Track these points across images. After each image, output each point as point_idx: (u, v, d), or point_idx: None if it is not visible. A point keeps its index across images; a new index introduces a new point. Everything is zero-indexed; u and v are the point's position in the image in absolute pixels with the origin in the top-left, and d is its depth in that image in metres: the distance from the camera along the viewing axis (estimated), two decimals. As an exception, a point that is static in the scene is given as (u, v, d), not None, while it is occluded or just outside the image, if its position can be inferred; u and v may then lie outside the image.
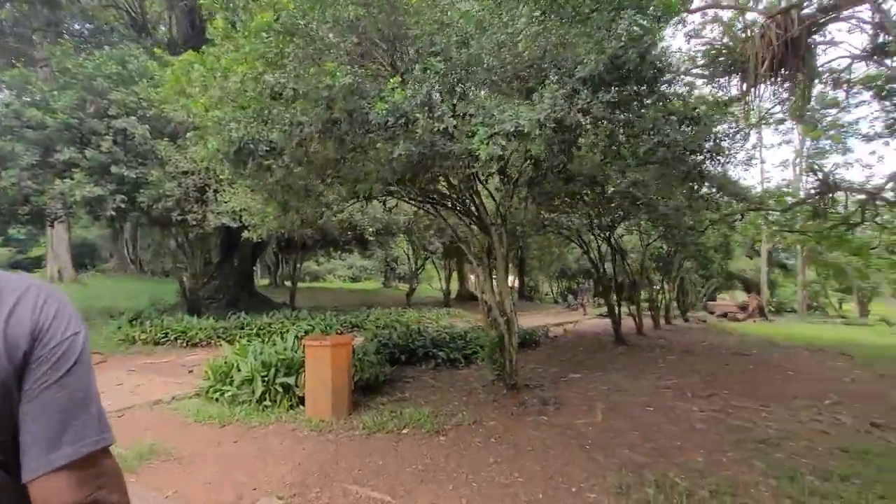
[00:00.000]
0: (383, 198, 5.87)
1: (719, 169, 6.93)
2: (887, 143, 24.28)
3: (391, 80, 3.13)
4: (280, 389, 5.26)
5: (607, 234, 10.52)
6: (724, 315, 20.39)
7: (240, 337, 9.28)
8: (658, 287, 15.37)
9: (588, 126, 3.17)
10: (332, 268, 35.99)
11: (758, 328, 17.54)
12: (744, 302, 21.40)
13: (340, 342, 5.05)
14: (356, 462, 3.89)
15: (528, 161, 4.42)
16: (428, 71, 3.12)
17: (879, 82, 12.62)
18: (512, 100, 3.06)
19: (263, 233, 6.12)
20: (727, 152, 5.67)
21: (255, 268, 20.11)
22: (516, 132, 2.72)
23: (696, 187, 7.05)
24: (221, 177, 5.41)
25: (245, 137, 3.66)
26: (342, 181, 4.71)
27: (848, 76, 11.90)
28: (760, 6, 9.35)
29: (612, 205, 7.40)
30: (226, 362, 5.81)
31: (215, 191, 8.83)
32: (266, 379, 5.30)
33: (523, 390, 5.87)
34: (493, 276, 5.65)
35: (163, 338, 9.39)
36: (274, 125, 3.61)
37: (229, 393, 5.37)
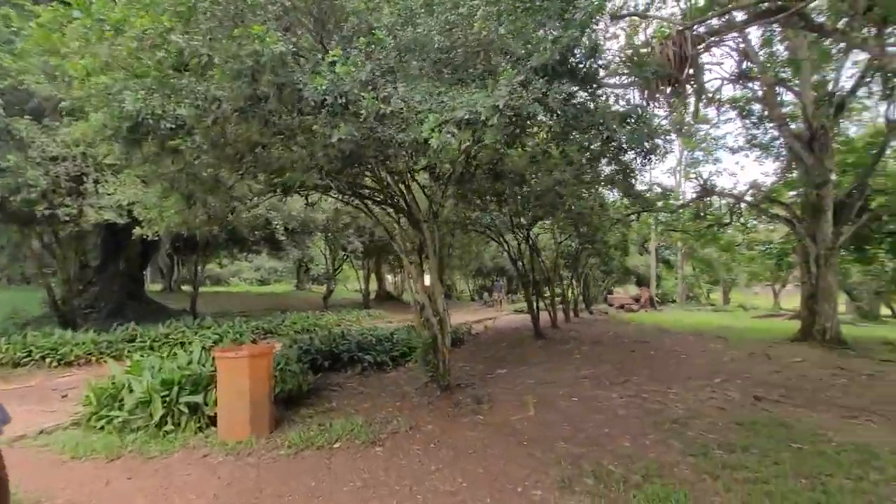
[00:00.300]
0: (308, 191, 5.39)
1: (647, 169, 7.51)
2: (747, 155, 28.33)
3: (331, 53, 2.78)
4: (185, 410, 4.57)
5: (526, 232, 10.93)
6: (622, 307, 22.47)
7: (129, 352, 8.03)
8: (567, 283, 16.42)
9: (543, 118, 3.16)
10: (237, 270, 33.15)
11: (650, 317, 19.59)
12: (637, 294, 23.82)
13: (259, 352, 4.53)
14: (284, 487, 3.48)
15: (465, 155, 4.33)
16: (373, 46, 2.84)
17: (742, 103, 14.77)
18: (462, 86, 2.92)
19: (161, 230, 5.27)
20: (662, 151, 6.05)
21: (145, 272, 17.72)
22: (471, 120, 2.59)
23: (633, 183, 7.49)
24: (105, 162, 4.54)
25: (143, 111, 3.02)
26: (263, 170, 4.18)
27: (719, 96, 13.69)
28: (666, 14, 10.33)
29: (536, 203, 7.66)
30: (113, 383, 4.92)
31: (96, 181, 7.50)
32: (167, 399, 4.58)
33: (456, 390, 5.80)
34: (426, 275, 5.49)
35: (25, 357, 7.78)
36: (183, 98, 3.03)
37: (119, 419, 4.54)
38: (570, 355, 9.12)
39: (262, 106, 3.12)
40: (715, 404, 5.73)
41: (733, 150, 18.50)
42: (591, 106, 3.67)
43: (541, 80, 2.78)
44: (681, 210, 15.07)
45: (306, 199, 6.14)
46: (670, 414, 5.23)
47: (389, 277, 31.02)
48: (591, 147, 4.36)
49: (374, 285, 26.68)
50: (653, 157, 5.14)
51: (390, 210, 5.93)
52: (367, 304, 20.90)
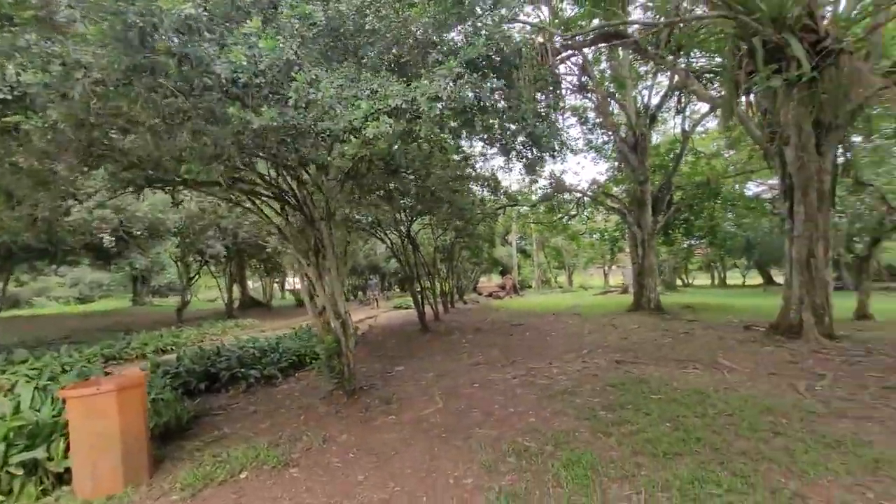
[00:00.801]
0: (173, 187, 4.53)
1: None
2: (586, 157, 32.94)
3: (251, 23, 2.35)
4: (19, 472, 3.54)
5: (407, 227, 11.05)
6: (490, 295, 24.32)
7: None
8: (444, 276, 17.12)
9: (475, 111, 3.19)
10: (44, 287, 26.52)
11: (515, 302, 21.59)
12: (502, 282, 26.03)
13: (131, 382, 3.72)
14: (188, 536, 2.96)
15: (367, 150, 4.17)
16: (298, 20, 2.48)
17: (580, 111, 17.12)
18: (392, 74, 2.78)
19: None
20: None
21: None
22: (408, 110, 2.49)
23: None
24: None
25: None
26: (137, 160, 3.38)
27: (563, 104, 15.65)
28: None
29: (432, 199, 7.79)
30: None
31: None
32: (-11, 462, 3.48)
33: (362, 394, 5.61)
34: (325, 276, 5.16)
35: None
36: (30, 59, 2.23)
37: None
38: (459, 345, 9.55)
39: (151, 79, 2.51)
40: (589, 372, 6.61)
41: (575, 152, 21.33)
42: (516, 102, 3.88)
43: (476, 75, 2.84)
44: (538, 204, 16.91)
45: (173, 196, 5.17)
46: (559, 386, 5.87)
47: (250, 283, 28.26)
48: (506, 143, 4.62)
49: (235, 293, 24.03)
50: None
51: (275, 207, 5.41)
52: (231, 314, 18.75)
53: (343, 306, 5.27)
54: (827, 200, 7.82)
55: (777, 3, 4.56)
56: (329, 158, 3.83)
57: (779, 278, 36.29)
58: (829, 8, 6.09)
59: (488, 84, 2.97)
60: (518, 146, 5.00)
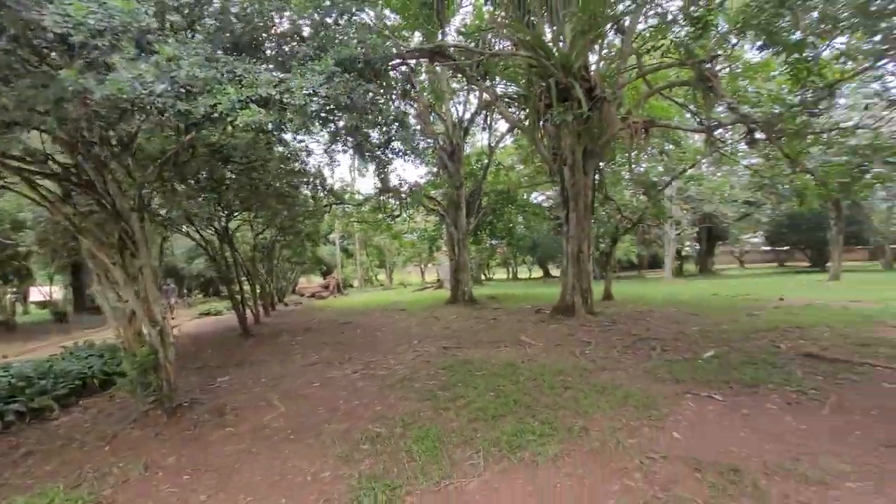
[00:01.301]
0: None
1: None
2: (406, 160, 34.48)
3: None
4: None
5: (225, 223, 9.94)
6: (313, 295, 23.49)
7: None
8: (264, 276, 15.87)
9: (345, 108, 3.12)
10: None
11: (340, 302, 21.39)
12: (326, 282, 25.41)
13: None
14: None
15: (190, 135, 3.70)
16: None
17: (402, 117, 18.00)
18: (259, 63, 2.56)
19: None
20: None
21: None
22: (278, 101, 2.36)
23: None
24: None
25: None
26: None
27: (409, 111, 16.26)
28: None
29: (266, 192, 7.11)
30: None
31: None
32: None
33: (187, 410, 4.92)
34: (137, 277, 4.31)
35: None
36: None
37: None
38: (289, 347, 9.11)
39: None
40: (422, 360, 7.21)
41: (398, 154, 22.25)
42: (383, 107, 3.94)
43: (348, 75, 2.86)
44: (364, 204, 17.17)
45: None
46: (397, 375, 6.27)
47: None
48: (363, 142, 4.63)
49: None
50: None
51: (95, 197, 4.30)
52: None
53: (160, 311, 4.53)
54: (589, 210, 10.28)
55: (565, 54, 5.94)
56: (139, 141, 3.28)
57: (554, 272, 44.89)
58: (593, 67, 8.20)
59: (361, 86, 3.07)
60: (374, 147, 5.16)
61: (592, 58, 7.95)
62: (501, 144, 18.41)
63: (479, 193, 16.15)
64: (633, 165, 15.29)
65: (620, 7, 5.75)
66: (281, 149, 7.42)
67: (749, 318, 9.88)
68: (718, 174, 23.15)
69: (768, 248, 39.44)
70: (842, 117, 12.13)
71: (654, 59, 8.25)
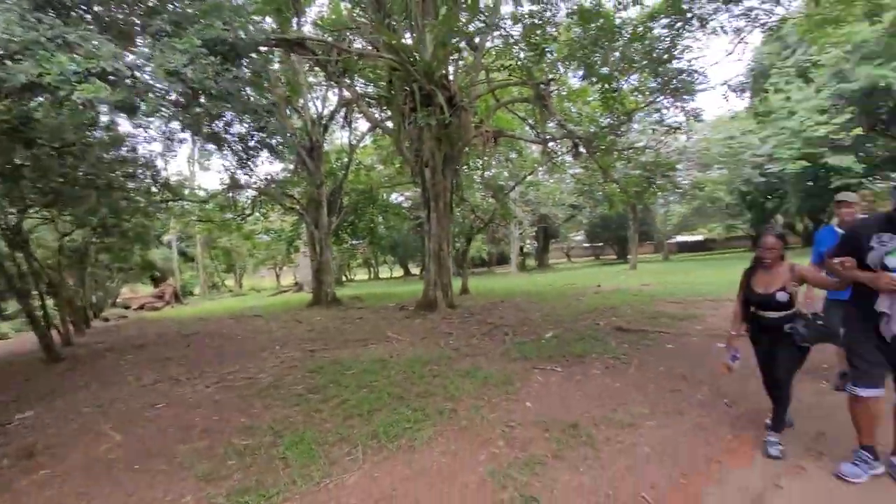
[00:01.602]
0: None
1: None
2: (258, 155, 31.88)
3: None
4: None
5: (17, 222, 7.88)
6: (142, 307, 20.03)
7: None
8: (74, 287, 12.99)
9: (211, 94, 2.70)
10: None
11: (178, 312, 18.69)
12: (160, 290, 21.87)
13: None
14: None
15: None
16: None
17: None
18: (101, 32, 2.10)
19: None
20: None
21: None
22: (127, 77, 1.99)
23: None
24: None
25: None
26: None
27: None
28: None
29: (86, 180, 5.71)
30: None
31: None
32: None
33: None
34: None
35: None
36: None
37: None
38: (118, 368, 7.72)
39: None
40: (287, 365, 6.87)
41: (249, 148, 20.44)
42: (253, 97, 3.53)
43: (215, 59, 2.55)
44: (209, 201, 15.36)
45: None
46: (261, 383, 5.88)
47: None
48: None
49: None
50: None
51: None
52: None
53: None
54: (448, 209, 11.00)
55: (427, 62, 6.31)
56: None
57: (414, 270, 46.35)
58: (452, 77, 8.85)
59: (229, 71, 2.80)
60: (240, 139, 4.70)
61: (451, 68, 8.59)
62: (362, 144, 18.34)
63: (340, 192, 15.84)
64: (484, 171, 16.80)
65: (471, 27, 6.38)
66: (101, 133, 6.25)
67: (576, 302, 11.78)
68: (551, 181, 26.77)
69: (588, 244, 47.07)
70: (635, 139, 15.23)
71: (502, 76, 9.30)
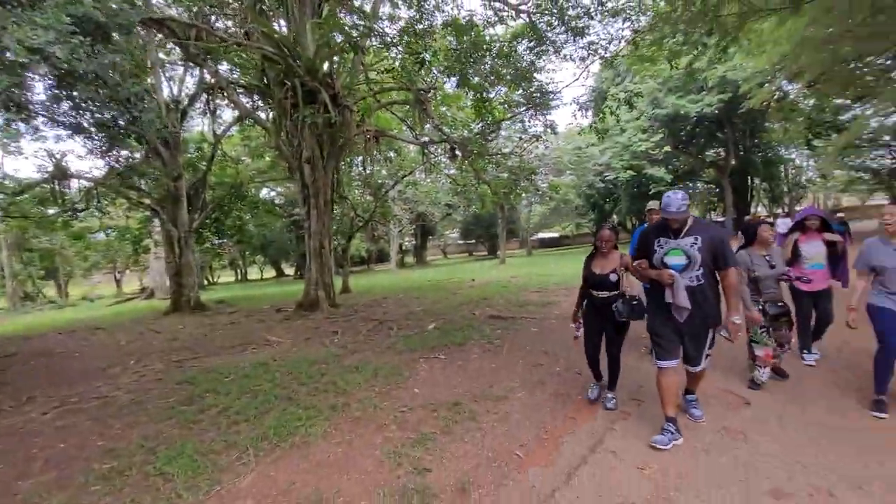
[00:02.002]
0: None
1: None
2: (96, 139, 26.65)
3: None
4: None
5: None
6: (-84, 327, 15.43)
7: None
8: None
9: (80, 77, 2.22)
10: None
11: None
12: (-56, 305, 17.03)
13: None
14: None
15: None
16: None
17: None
18: None
19: None
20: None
21: None
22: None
23: None
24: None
25: None
26: None
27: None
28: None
29: None
30: None
31: None
32: None
33: None
34: None
35: None
36: None
37: None
38: None
39: None
40: (149, 379, 6.17)
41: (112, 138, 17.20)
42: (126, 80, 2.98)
43: (82, 37, 2.19)
44: (24, 193, 12.58)
45: None
46: (119, 402, 5.22)
47: None
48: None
49: None
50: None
51: None
52: None
53: None
54: (329, 207, 10.83)
55: (310, 58, 6.13)
56: None
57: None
58: (334, 76, 8.73)
59: (101, 53, 2.45)
60: (107, 125, 4.00)
61: (333, 66, 8.45)
62: (228, 134, 16.78)
63: (203, 187, 14.32)
64: (365, 168, 16.78)
65: (355, 32, 6.44)
66: None
67: (454, 296, 12.60)
68: (428, 180, 27.76)
69: (462, 241, 49.83)
70: (503, 144, 16.76)
71: (385, 77, 9.50)
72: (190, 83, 14.63)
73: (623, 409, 4.00)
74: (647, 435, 3.42)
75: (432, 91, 8.61)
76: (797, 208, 40.22)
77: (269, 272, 46.54)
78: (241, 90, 12.49)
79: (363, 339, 7.66)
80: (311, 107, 6.27)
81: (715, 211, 39.29)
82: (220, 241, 26.26)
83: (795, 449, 3.15)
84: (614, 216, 36.67)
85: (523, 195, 16.66)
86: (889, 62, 14.38)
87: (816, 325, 4.93)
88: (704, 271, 3.24)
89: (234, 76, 12.91)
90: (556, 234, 52.20)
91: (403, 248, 39.71)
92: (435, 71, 9.70)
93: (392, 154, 18.59)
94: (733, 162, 28.30)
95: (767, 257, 4.30)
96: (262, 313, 12.06)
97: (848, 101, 19.91)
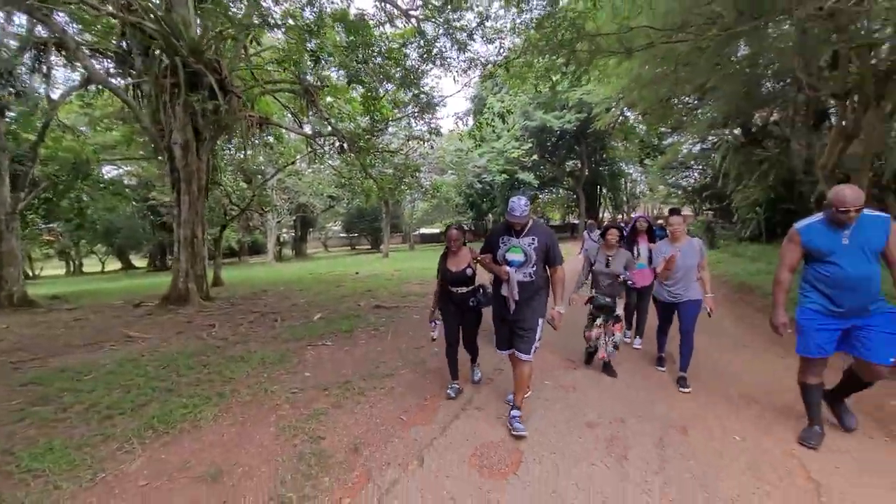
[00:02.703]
0: None
1: None
2: None
3: None
4: None
5: None
6: None
7: None
8: None
9: None
10: None
11: None
12: None
13: None
14: None
15: None
16: None
17: None
18: None
19: None
20: None
21: None
22: None
23: None
24: None
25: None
26: None
27: None
28: None
29: None
30: None
31: None
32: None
33: None
34: None
35: None
36: None
37: None
38: None
39: None
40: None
41: None
42: None
43: None
44: None
45: None
46: (-59, 410, 4.48)
47: None
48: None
49: None
50: None
51: None
52: None
53: None
54: (203, 194, 10.12)
55: (195, 39, 5.70)
56: None
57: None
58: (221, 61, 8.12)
59: None
60: None
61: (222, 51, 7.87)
62: (67, 100, 14.21)
63: (34, 160, 12.02)
64: (243, 153, 15.74)
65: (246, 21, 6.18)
66: None
67: (338, 288, 12.75)
68: (309, 170, 26.84)
69: (345, 234, 48.93)
70: (389, 141, 17.22)
71: (273, 68, 9.19)
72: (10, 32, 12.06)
73: (487, 378, 4.86)
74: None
75: (322, 86, 8.67)
76: (633, 214, 48.27)
77: (114, 263, 40.05)
78: (89, 52, 10.80)
79: (245, 330, 7.51)
80: (197, 92, 5.87)
81: (572, 214, 44.98)
82: (48, 225, 22.07)
83: (607, 397, 4.29)
84: (490, 215, 39.73)
85: (407, 192, 17.36)
86: (696, 102, 18.29)
87: (638, 319, 5.79)
88: (538, 268, 3.56)
89: (84, 36, 11.08)
90: (437, 230, 54.33)
91: (282, 240, 37.65)
92: (323, 61, 9.72)
93: (271, 139, 17.74)
94: (587, 172, 32.88)
95: (610, 257, 4.70)
96: (115, 309, 10.73)
97: (669, 130, 24.72)
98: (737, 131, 19.14)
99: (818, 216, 3.08)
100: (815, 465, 3.03)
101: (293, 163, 17.27)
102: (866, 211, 2.89)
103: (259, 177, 17.37)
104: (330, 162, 19.43)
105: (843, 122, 11.60)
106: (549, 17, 8.21)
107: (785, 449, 3.25)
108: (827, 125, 12.57)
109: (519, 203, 3.49)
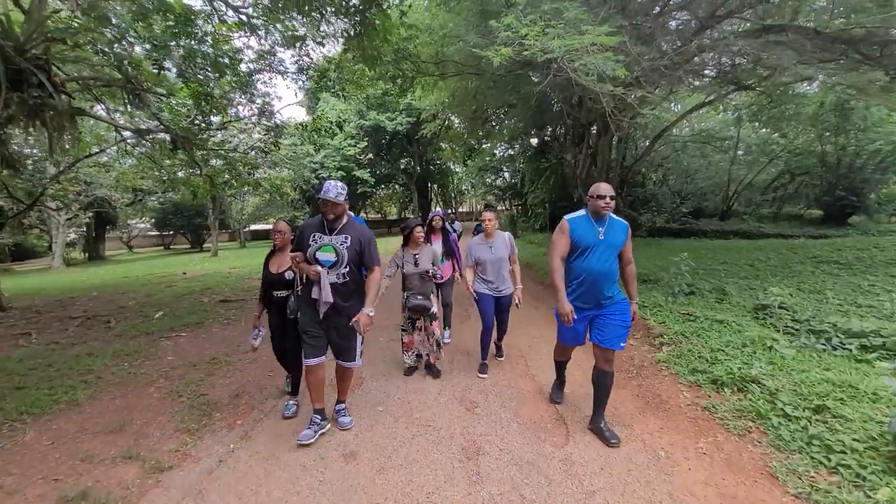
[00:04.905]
0: None
1: None
2: None
3: None
4: None
5: None
6: None
7: None
8: None
9: None
10: None
11: None
12: None
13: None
14: None
15: None
16: None
17: None
18: None
19: None
20: None
21: None
22: None
23: None
24: None
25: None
26: None
27: None
28: None
29: None
30: None
31: None
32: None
33: None
34: None
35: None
36: None
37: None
38: None
39: None
40: None
41: None
42: None
43: None
44: None
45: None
46: None
47: None
48: None
49: None
50: None
51: None
52: None
53: None
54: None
55: (21, 39, 5.14)
56: None
57: None
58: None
59: None
60: None
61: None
62: None
63: None
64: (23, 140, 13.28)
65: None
66: None
67: (168, 289, 12.24)
68: (118, 161, 23.19)
69: (155, 232, 42.55)
70: (225, 137, 16.60)
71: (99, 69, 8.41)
72: None
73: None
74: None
75: (149, 86, 8.48)
76: (460, 210, 53.98)
77: None
78: None
79: (74, 333, 7.25)
80: (18, 93, 5.32)
81: (406, 209, 48.06)
82: None
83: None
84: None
85: (244, 188, 17.02)
86: (503, 115, 22.22)
87: (444, 312, 5.78)
88: (351, 269, 3.30)
89: None
90: (270, 227, 51.51)
91: (68, 240, 31.09)
92: (140, 50, 9.30)
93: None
94: (419, 170, 35.91)
95: (417, 256, 4.55)
96: None
97: (484, 137, 29.10)
98: (533, 141, 23.96)
99: (582, 211, 3.30)
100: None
101: (100, 151, 15.11)
102: (612, 215, 3.22)
103: (54, 167, 14.77)
104: (136, 150, 17.55)
105: (590, 144, 16.23)
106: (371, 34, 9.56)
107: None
108: (584, 145, 17.18)
109: (334, 185, 3.21)
